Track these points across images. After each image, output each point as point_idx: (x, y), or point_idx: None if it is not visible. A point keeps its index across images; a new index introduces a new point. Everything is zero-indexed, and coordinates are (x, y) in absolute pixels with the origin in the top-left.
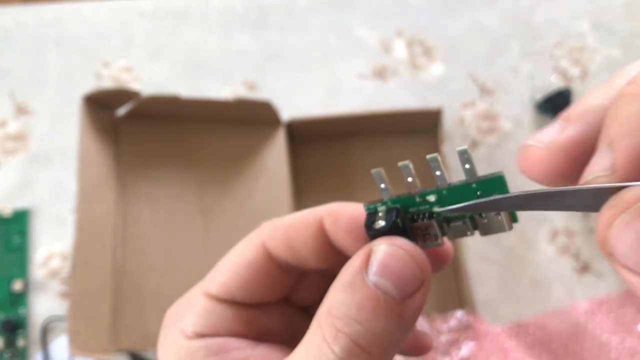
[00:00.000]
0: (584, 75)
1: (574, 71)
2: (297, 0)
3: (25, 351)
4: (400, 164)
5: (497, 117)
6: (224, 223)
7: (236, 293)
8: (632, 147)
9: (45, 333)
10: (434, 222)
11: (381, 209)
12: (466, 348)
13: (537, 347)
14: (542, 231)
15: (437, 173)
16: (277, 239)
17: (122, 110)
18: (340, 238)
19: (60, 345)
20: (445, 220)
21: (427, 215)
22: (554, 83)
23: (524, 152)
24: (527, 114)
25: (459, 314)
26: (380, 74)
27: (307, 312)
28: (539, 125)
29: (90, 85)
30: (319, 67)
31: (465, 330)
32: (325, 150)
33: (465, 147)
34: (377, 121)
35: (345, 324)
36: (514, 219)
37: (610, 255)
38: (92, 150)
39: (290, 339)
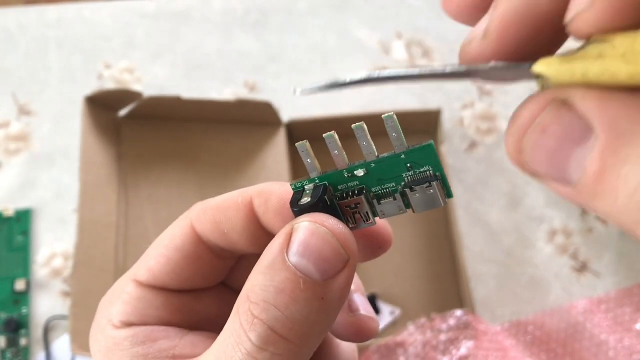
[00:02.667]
0: None
1: None
2: (297, 1)
3: (27, 350)
4: (325, 135)
5: (496, 118)
6: None
7: (165, 279)
8: (506, 12)
9: (47, 332)
10: (362, 198)
11: (308, 186)
12: (465, 347)
13: (536, 345)
14: (540, 231)
15: (364, 143)
16: (205, 221)
17: (123, 111)
18: (270, 219)
19: (62, 344)
20: (376, 197)
21: (356, 192)
22: None
23: (465, 50)
24: None
25: (458, 313)
26: None
27: None
28: None
29: (92, 86)
30: (319, 67)
31: (464, 329)
32: (325, 151)
33: (390, 113)
34: (377, 121)
35: (262, 310)
36: (447, 194)
37: (534, 174)
38: (94, 150)
39: None
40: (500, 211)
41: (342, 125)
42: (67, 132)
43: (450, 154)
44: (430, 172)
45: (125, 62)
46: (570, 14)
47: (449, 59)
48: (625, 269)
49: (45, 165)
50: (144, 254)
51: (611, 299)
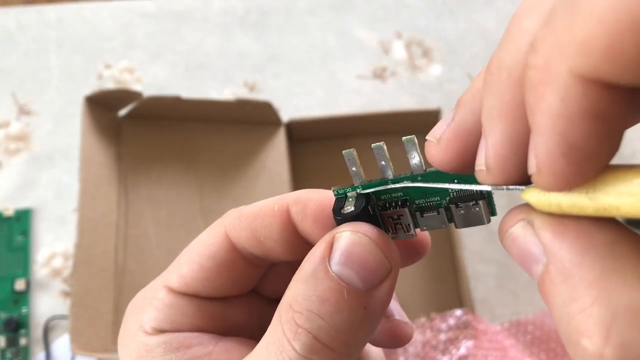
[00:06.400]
0: None
1: None
2: (297, 1)
3: (27, 350)
4: (373, 145)
5: None
6: None
7: (198, 286)
8: (498, 142)
9: (47, 332)
10: (406, 210)
11: (351, 194)
12: (465, 347)
13: (536, 345)
14: None
15: (414, 159)
16: (241, 228)
17: (123, 111)
18: (308, 227)
19: (62, 344)
20: (419, 210)
21: (399, 203)
22: None
23: (426, 148)
24: None
25: (458, 312)
26: (380, 74)
27: (277, 303)
28: None
29: (92, 86)
30: (319, 68)
31: (464, 329)
32: (325, 150)
33: (411, 136)
34: (377, 121)
35: (307, 319)
36: (492, 212)
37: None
38: (94, 150)
39: (260, 332)
40: (499, 211)
41: (342, 125)
42: (67, 132)
43: None
44: (477, 189)
45: (125, 62)
46: (530, 171)
47: (448, 59)
48: None
49: (45, 165)
50: (176, 260)
51: None
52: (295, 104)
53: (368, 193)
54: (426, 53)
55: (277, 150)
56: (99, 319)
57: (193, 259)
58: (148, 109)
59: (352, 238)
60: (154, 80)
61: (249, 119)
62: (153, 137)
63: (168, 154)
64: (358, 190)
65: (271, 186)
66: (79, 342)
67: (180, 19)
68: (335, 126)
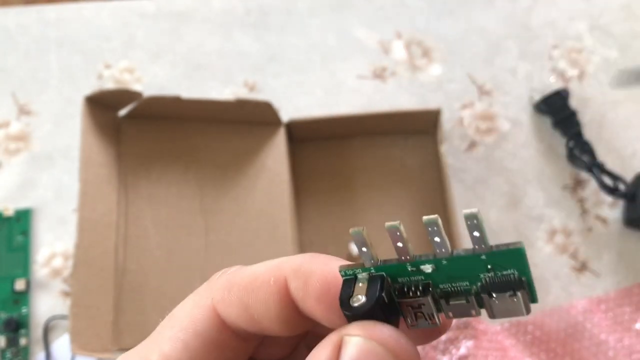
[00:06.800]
0: (582, 76)
1: (572, 72)
2: (297, 1)
3: (27, 350)
4: (387, 225)
5: (496, 118)
6: (224, 223)
7: None
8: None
9: (47, 332)
10: (429, 299)
11: (362, 276)
12: (465, 347)
13: (536, 345)
14: (539, 231)
15: (436, 239)
16: (231, 303)
17: (123, 111)
18: (311, 307)
19: (62, 344)
20: (444, 296)
21: (420, 288)
22: (552, 84)
23: None
24: (525, 114)
25: None
26: (380, 74)
27: None
28: (537, 126)
29: (92, 86)
30: (319, 68)
31: (464, 329)
32: (325, 151)
33: (474, 210)
34: (377, 122)
35: None
36: (532, 299)
37: None
38: (94, 150)
39: None
40: (499, 211)
41: (342, 125)
42: (67, 132)
43: (450, 154)
44: (515, 275)
45: (125, 62)
46: None
47: (448, 59)
48: (625, 268)
49: (45, 165)
50: (155, 332)
51: (611, 298)
52: (295, 104)
53: (382, 275)
54: (426, 53)
55: (277, 150)
56: (99, 319)
57: (177, 336)
58: (148, 109)
59: (364, 347)
60: (154, 80)
61: (249, 119)
62: (153, 137)
63: (168, 154)
64: (371, 272)
65: (271, 186)
66: (79, 342)
67: (180, 19)
68: (335, 126)
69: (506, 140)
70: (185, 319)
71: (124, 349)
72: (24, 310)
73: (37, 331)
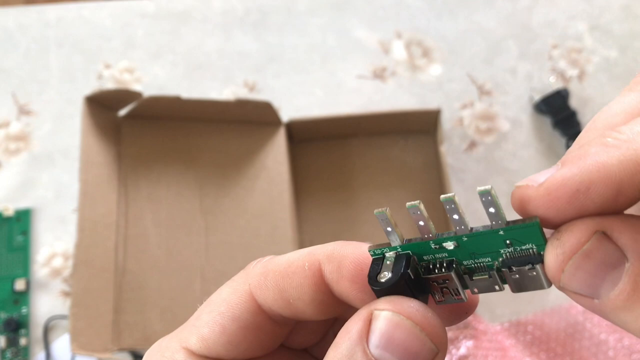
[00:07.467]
0: (582, 76)
1: (572, 72)
2: (297, 1)
3: (27, 350)
4: (408, 204)
5: (496, 118)
6: (224, 223)
7: (220, 350)
8: (564, 176)
9: (47, 332)
10: (452, 274)
11: (389, 255)
12: (465, 346)
13: (536, 345)
14: None
15: (455, 217)
16: (267, 288)
17: (123, 111)
18: (345, 289)
19: (62, 344)
20: (468, 272)
21: (445, 265)
22: (552, 84)
23: (520, 192)
24: (525, 114)
25: None
26: (380, 74)
27: (305, 354)
28: (537, 126)
29: (92, 86)
30: (319, 68)
31: (464, 329)
32: (325, 150)
33: (487, 187)
34: (377, 121)
35: None
36: None
37: (562, 288)
38: (94, 150)
39: None
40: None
41: (342, 125)
42: (67, 132)
43: (450, 154)
44: (534, 250)
45: (125, 62)
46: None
47: (448, 59)
48: None
49: (45, 165)
50: (193, 317)
51: None
52: (295, 104)
53: (408, 253)
54: (426, 53)
55: (277, 150)
56: (99, 318)
57: (215, 320)
58: (148, 109)
59: (392, 320)
60: (154, 80)
61: (249, 119)
62: (153, 137)
63: (168, 154)
64: (397, 251)
65: (271, 186)
66: (79, 342)
67: (180, 19)
68: (335, 126)
69: (506, 140)
70: (222, 304)
71: (124, 349)
72: (24, 310)
73: (37, 331)
